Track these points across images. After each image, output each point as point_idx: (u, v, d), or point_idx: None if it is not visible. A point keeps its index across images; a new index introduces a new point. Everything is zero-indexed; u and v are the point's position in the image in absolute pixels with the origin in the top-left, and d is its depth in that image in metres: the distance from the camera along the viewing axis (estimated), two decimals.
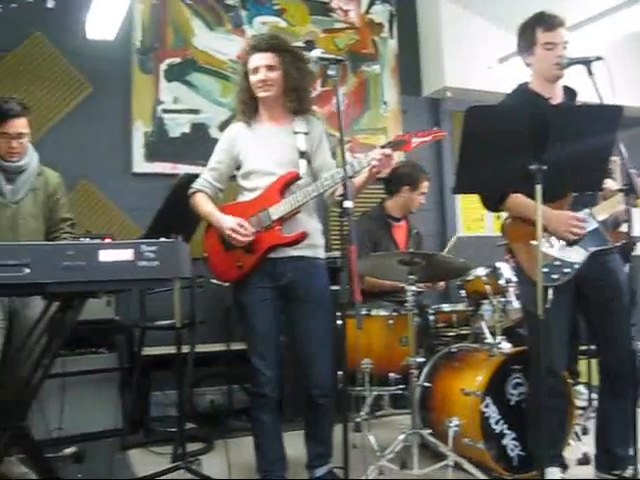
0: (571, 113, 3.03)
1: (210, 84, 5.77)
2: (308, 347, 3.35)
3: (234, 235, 3.24)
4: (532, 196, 2.82)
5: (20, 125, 3.68)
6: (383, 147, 3.25)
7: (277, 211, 3.27)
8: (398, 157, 3.93)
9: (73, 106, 5.36)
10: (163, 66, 5.63)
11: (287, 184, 3.31)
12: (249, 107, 3.41)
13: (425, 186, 4.82)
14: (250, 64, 3.34)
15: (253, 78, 3.33)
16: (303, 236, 3.31)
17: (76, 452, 4.09)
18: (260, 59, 3.32)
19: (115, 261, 2.31)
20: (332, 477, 3.42)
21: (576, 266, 3.20)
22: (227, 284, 3.40)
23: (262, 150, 3.37)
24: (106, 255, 2.31)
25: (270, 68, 3.31)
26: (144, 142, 5.51)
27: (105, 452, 3.97)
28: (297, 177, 3.34)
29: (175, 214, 3.51)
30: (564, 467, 3.43)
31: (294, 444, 3.47)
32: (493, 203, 3.33)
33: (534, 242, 2.87)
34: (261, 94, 3.35)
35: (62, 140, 5.23)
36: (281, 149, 3.37)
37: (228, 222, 3.27)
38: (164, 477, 3.67)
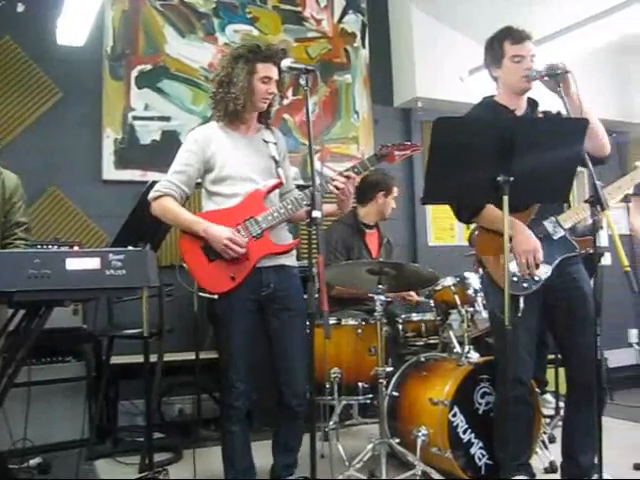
0: (536, 125, 3.08)
1: (181, 91, 5.76)
2: (287, 356, 3.32)
3: (232, 246, 3.13)
4: (499, 207, 2.83)
5: None
6: (369, 159, 3.33)
7: (267, 220, 3.24)
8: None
9: (42, 112, 5.33)
10: (134, 73, 5.61)
11: (270, 193, 3.32)
12: (237, 109, 3.29)
13: (397, 191, 4.90)
14: (262, 71, 3.27)
15: (262, 87, 3.28)
16: (298, 244, 3.35)
17: (41, 463, 4.06)
18: (274, 72, 3.30)
19: (82, 270, 2.29)
20: None
21: (547, 273, 3.22)
22: (216, 296, 3.20)
23: (240, 156, 3.32)
24: (73, 263, 2.29)
25: (275, 83, 3.32)
26: (114, 149, 5.48)
27: (71, 463, 3.90)
28: (280, 186, 3.37)
29: (144, 222, 3.46)
30: (531, 475, 3.45)
31: (256, 455, 3.43)
32: (466, 215, 3.35)
33: (506, 244, 2.82)
34: (261, 104, 3.34)
35: (31, 146, 5.19)
36: (258, 157, 3.37)
37: (225, 233, 3.14)
38: None
